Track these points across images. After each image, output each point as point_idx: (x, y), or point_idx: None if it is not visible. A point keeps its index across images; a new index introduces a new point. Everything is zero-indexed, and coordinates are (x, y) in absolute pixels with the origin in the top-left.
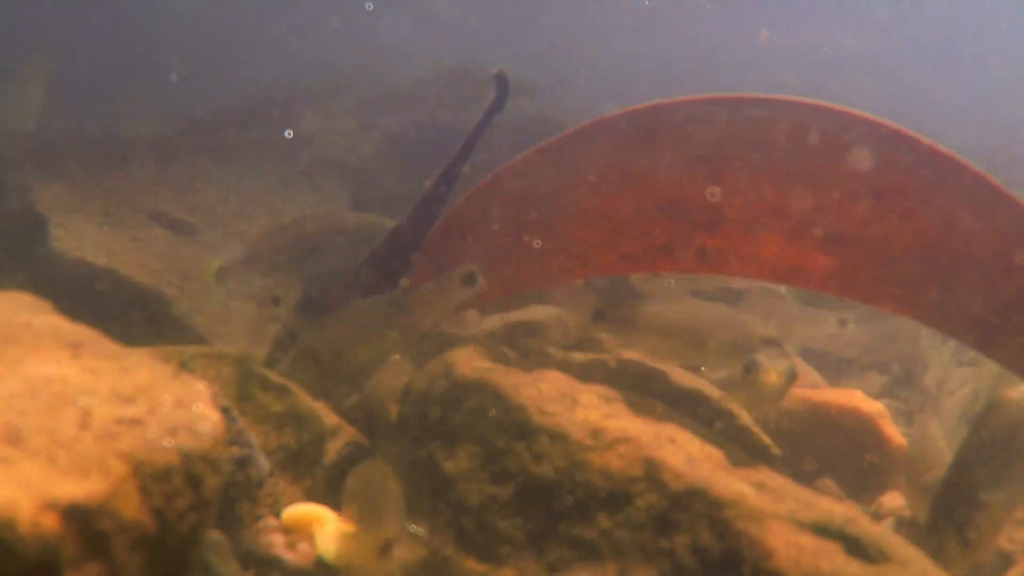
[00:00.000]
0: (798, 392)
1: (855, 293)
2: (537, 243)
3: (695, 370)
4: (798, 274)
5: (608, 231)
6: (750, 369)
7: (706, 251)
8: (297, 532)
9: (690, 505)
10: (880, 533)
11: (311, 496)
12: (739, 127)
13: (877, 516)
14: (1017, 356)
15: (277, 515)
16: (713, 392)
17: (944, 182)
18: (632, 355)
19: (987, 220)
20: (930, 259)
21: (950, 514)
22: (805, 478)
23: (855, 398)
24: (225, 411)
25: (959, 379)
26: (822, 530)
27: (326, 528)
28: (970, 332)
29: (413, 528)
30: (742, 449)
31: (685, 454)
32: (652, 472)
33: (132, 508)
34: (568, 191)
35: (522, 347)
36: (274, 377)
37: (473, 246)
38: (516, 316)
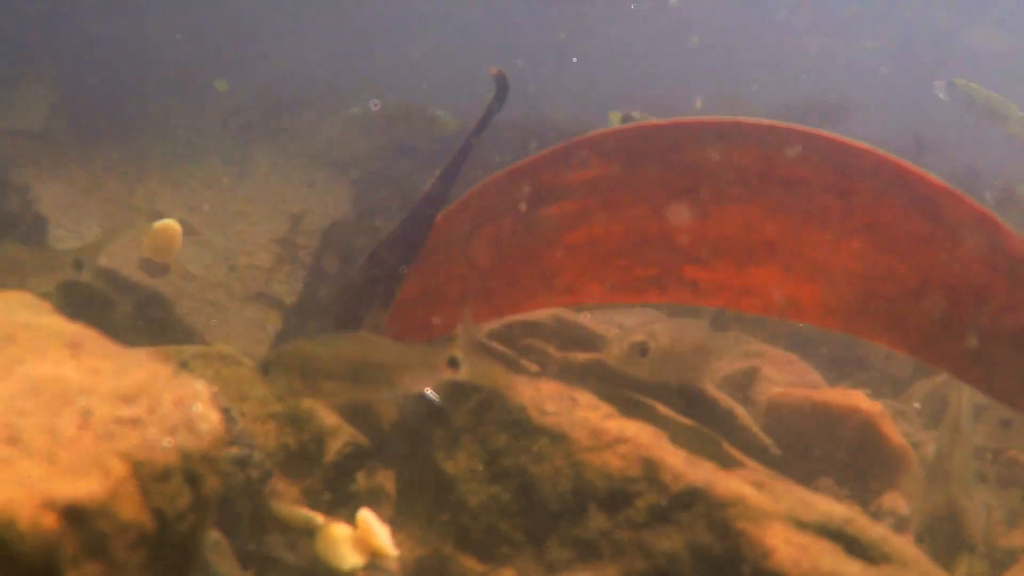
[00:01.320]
0: (799, 392)
1: (851, 328)
2: (516, 270)
3: None
4: (793, 308)
5: (592, 262)
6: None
7: (697, 283)
8: (285, 527)
9: (690, 505)
10: (880, 533)
11: (311, 496)
12: (726, 154)
13: (877, 516)
14: (1013, 392)
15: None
16: (713, 392)
17: (944, 218)
18: None
19: (987, 257)
20: (927, 296)
21: None
22: (805, 478)
23: (855, 398)
24: (225, 411)
25: None
26: (822, 530)
27: (329, 535)
28: (966, 369)
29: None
30: (741, 449)
31: (684, 454)
32: (651, 472)
33: (132, 508)
34: (545, 218)
35: (522, 347)
36: None
37: (457, 266)
38: (516, 316)
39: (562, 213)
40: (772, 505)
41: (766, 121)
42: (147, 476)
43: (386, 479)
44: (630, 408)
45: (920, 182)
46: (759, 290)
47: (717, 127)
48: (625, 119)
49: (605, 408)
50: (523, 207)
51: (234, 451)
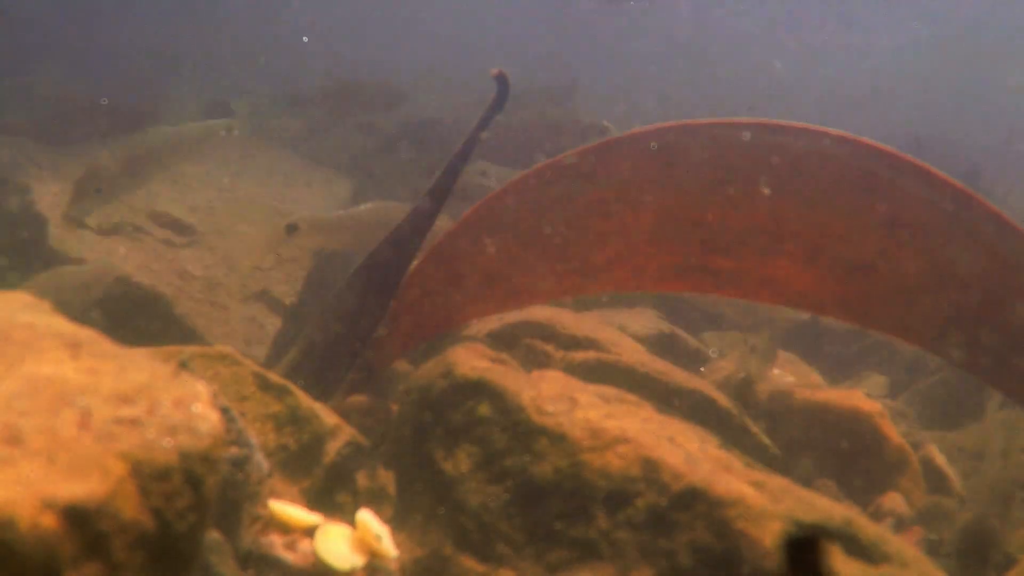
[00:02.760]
0: (798, 392)
1: (866, 321)
2: (548, 257)
3: (695, 370)
4: (810, 300)
5: (621, 249)
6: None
7: (720, 273)
8: (285, 527)
9: (689, 505)
10: (879, 533)
11: (310, 496)
12: (759, 152)
13: (876, 516)
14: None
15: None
16: (713, 392)
17: (960, 217)
18: (632, 357)
19: (1000, 255)
20: (941, 291)
21: None
22: (804, 478)
23: (854, 398)
24: (224, 411)
25: None
26: (821, 530)
27: (329, 535)
28: (977, 363)
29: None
30: (741, 449)
31: (684, 454)
32: (651, 472)
33: (131, 508)
34: (582, 208)
35: (522, 347)
36: (274, 377)
37: (485, 255)
38: (516, 316)
39: (599, 202)
40: (771, 505)
41: (799, 123)
42: (147, 476)
43: (386, 479)
44: (630, 408)
45: (940, 183)
46: (779, 281)
47: (754, 127)
48: None
49: (605, 408)
50: (563, 198)
51: (234, 451)
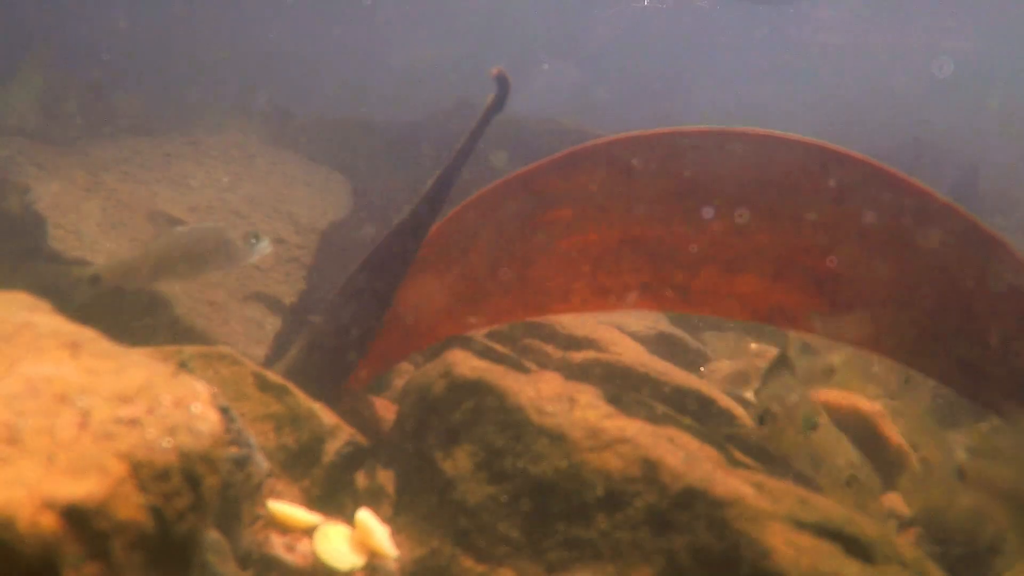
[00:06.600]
0: None
1: (840, 335)
2: (510, 277)
3: (695, 370)
4: (781, 315)
5: (585, 267)
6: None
7: (687, 290)
8: (284, 527)
9: (689, 505)
10: (880, 533)
11: (310, 496)
12: (722, 162)
13: (877, 516)
14: (1002, 399)
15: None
16: (712, 392)
17: (933, 225)
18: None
19: (978, 266)
20: (916, 303)
21: None
22: (805, 478)
23: (854, 398)
24: (224, 411)
25: None
26: (821, 530)
27: (328, 535)
28: (957, 376)
29: None
30: (741, 449)
31: (684, 454)
32: (651, 472)
33: (131, 508)
34: (541, 224)
35: (521, 347)
36: (273, 377)
37: (449, 276)
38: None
39: (559, 219)
40: (771, 505)
41: (763, 130)
42: (146, 476)
43: (386, 479)
44: (630, 408)
45: (911, 191)
46: (748, 297)
47: (715, 135)
48: None
49: (604, 408)
50: (521, 215)
51: (233, 451)
